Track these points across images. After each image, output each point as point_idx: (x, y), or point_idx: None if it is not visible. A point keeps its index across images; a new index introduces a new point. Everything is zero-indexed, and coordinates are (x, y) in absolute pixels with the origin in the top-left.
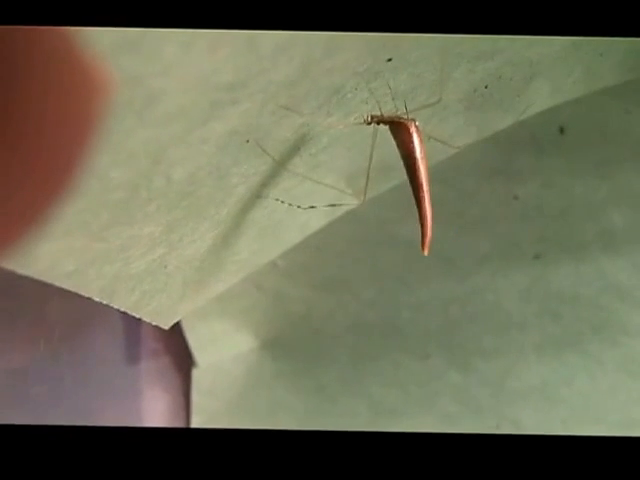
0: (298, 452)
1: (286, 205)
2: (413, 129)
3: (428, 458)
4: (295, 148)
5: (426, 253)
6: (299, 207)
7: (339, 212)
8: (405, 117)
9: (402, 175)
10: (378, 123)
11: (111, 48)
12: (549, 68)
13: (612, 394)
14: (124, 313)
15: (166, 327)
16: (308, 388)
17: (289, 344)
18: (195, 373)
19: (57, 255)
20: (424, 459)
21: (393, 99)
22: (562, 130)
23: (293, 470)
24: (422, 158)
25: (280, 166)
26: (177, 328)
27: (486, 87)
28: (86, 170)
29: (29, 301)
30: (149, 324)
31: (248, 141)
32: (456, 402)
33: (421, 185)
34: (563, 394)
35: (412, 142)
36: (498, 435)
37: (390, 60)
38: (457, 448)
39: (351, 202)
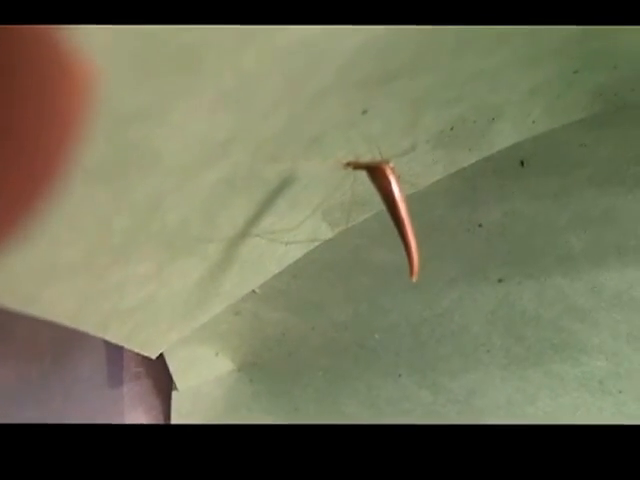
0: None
1: (267, 240)
2: (389, 171)
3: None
4: (278, 189)
5: (414, 280)
6: (280, 242)
7: (315, 243)
8: (380, 161)
9: (375, 208)
10: (355, 168)
11: (124, 116)
12: (509, 111)
13: (573, 411)
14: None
15: (154, 356)
16: (285, 408)
17: (266, 366)
18: (175, 396)
19: (59, 295)
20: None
21: (369, 146)
22: (523, 163)
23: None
24: (401, 196)
25: (263, 205)
26: None
27: (452, 129)
28: (91, 217)
29: (19, 331)
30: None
31: (236, 187)
32: (426, 419)
33: (403, 222)
34: (527, 411)
35: (390, 184)
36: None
37: (365, 112)
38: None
39: (327, 234)
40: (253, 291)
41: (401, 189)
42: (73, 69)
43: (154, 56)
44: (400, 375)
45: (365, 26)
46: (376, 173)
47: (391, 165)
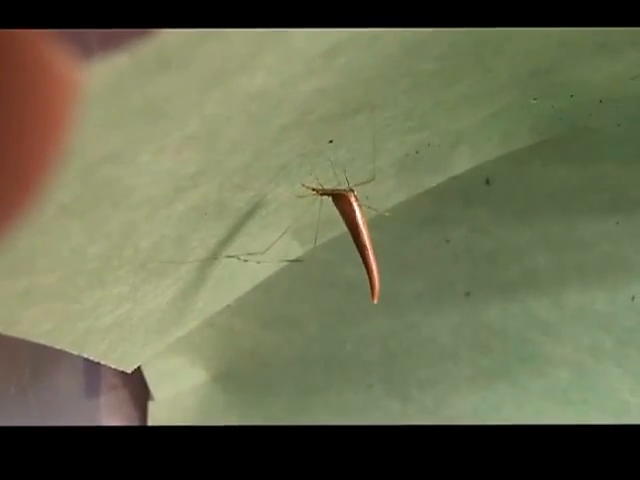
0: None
1: (239, 259)
2: (352, 199)
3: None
4: (248, 214)
5: (375, 302)
6: (252, 260)
7: (285, 262)
8: (344, 188)
9: (343, 227)
10: (321, 195)
11: (95, 158)
12: (471, 135)
13: (537, 420)
14: None
15: (129, 371)
16: (257, 418)
17: (239, 377)
18: (151, 406)
19: (37, 317)
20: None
21: (335, 175)
22: (488, 181)
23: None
24: (363, 222)
25: (235, 228)
26: None
27: (417, 152)
28: (66, 247)
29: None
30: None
31: (206, 214)
32: None
33: (365, 246)
34: (492, 420)
35: (353, 211)
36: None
37: (331, 142)
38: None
39: (297, 252)
40: (227, 305)
41: (363, 215)
42: (57, 75)
43: (122, 107)
44: (370, 385)
45: (319, 72)
46: (340, 200)
47: (354, 192)
